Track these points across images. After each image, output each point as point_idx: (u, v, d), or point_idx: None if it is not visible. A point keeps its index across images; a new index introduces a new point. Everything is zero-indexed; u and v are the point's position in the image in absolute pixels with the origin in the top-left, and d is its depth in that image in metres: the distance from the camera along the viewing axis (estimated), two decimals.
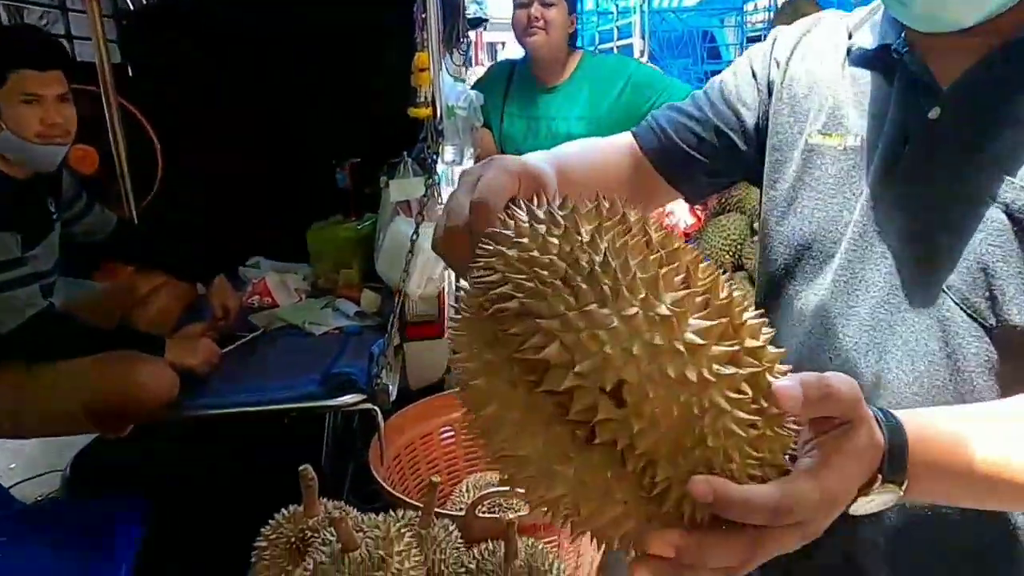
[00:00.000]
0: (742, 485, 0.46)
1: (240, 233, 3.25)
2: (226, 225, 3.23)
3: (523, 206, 0.54)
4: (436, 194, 2.46)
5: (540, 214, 0.51)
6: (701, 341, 0.43)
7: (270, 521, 1.17)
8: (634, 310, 0.43)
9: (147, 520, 1.98)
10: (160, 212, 3.10)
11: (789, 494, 0.46)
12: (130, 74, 3.54)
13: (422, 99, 2.45)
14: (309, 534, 1.12)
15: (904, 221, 0.79)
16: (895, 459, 0.54)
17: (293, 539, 1.13)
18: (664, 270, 0.46)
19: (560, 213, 0.50)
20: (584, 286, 0.45)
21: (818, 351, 0.85)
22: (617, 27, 6.56)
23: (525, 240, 0.49)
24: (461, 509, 1.67)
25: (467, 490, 1.92)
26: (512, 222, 0.52)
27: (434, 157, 2.40)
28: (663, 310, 0.44)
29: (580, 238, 0.47)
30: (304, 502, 1.15)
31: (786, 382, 0.47)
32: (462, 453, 2.13)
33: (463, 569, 1.13)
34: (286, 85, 3.30)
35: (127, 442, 2.13)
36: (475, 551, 1.18)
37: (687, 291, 0.46)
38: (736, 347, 0.45)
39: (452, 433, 2.11)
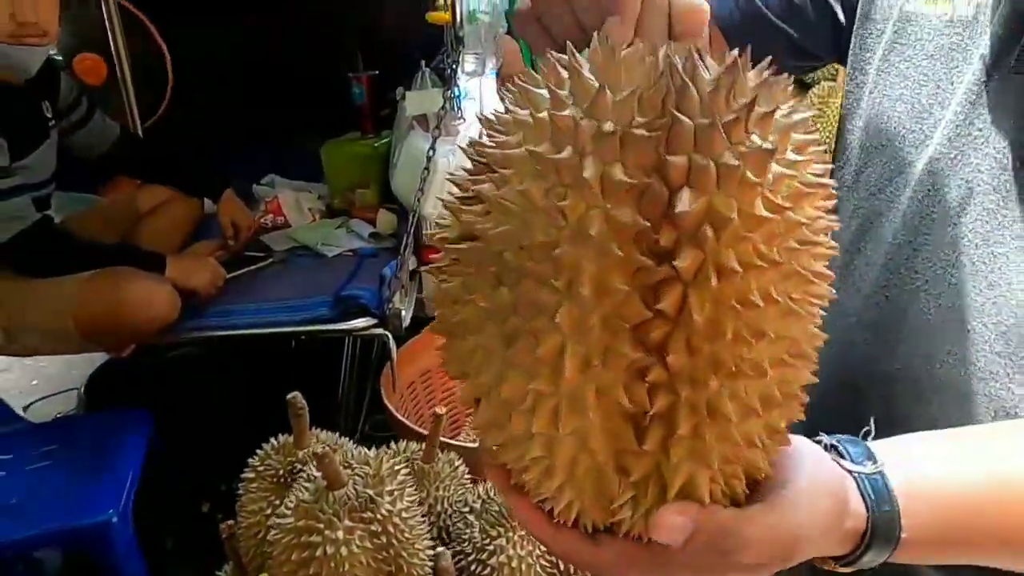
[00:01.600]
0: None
1: (253, 149, 3.14)
2: (238, 140, 3.11)
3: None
4: (456, 107, 2.29)
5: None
6: None
7: (258, 451, 1.07)
8: None
9: (152, 433, 1.94)
10: (170, 126, 2.98)
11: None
12: None
13: (441, 2, 2.26)
14: (298, 467, 1.02)
15: (1017, 124, 0.61)
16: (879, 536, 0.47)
17: (281, 472, 1.03)
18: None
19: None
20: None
21: (890, 289, 0.70)
22: None
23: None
24: (475, 441, 1.59)
25: None
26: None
27: (454, 67, 2.23)
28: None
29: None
30: (294, 432, 1.05)
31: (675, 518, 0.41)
32: None
33: (466, 507, 1.03)
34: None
35: (140, 360, 2.07)
36: (482, 488, 1.08)
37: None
38: None
39: None
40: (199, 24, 3.13)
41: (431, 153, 2.13)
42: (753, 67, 0.38)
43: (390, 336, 1.99)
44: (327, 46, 3.01)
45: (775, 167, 0.36)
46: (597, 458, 0.39)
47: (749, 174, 0.34)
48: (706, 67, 0.37)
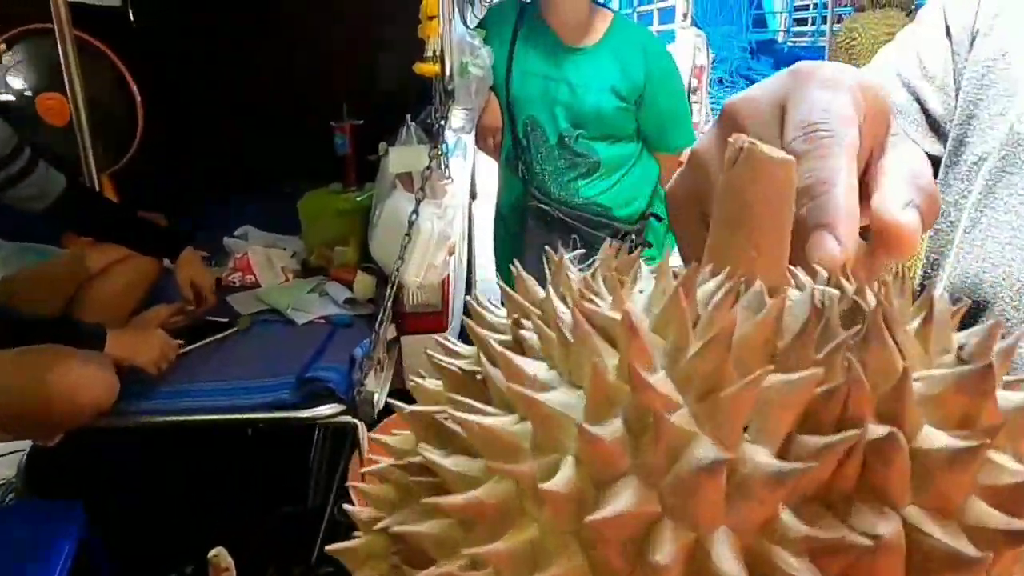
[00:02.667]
0: None
1: (227, 197, 2.94)
2: (212, 187, 2.92)
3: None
4: (442, 166, 2.10)
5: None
6: None
7: None
8: None
9: (83, 529, 1.70)
10: (139, 169, 2.78)
11: None
12: (132, 19, 3.23)
13: (430, 53, 2.07)
14: None
15: None
16: None
17: None
18: None
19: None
20: None
21: None
22: (657, 8, 6.08)
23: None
24: None
25: None
26: None
27: (442, 123, 2.04)
28: None
29: None
30: None
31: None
32: None
33: None
34: (282, 34, 2.95)
35: (76, 443, 1.83)
36: None
37: None
38: None
39: None
40: (177, 63, 2.97)
41: (414, 217, 1.93)
42: None
43: (360, 424, 1.77)
44: (312, 92, 2.84)
45: None
46: None
47: None
48: (903, 356, 0.20)
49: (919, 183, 0.31)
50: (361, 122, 2.71)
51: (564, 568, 0.18)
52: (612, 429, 0.18)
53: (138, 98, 2.80)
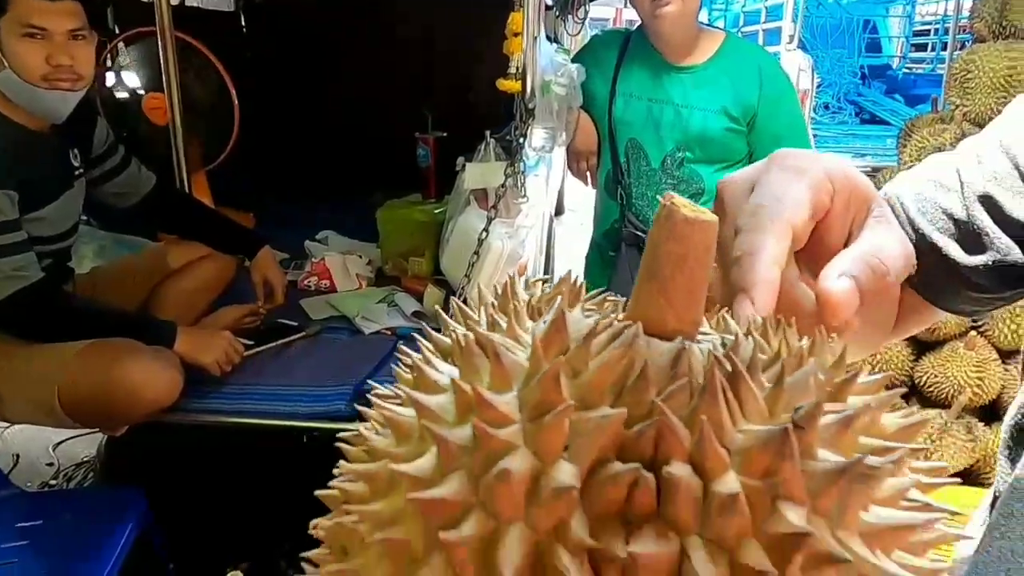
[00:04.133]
0: None
1: (312, 201, 3.00)
2: (298, 191, 2.98)
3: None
4: (519, 184, 2.06)
5: None
6: None
7: None
8: None
9: (145, 517, 1.74)
10: (230, 173, 2.88)
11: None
12: (243, 25, 3.36)
13: (514, 70, 2.05)
14: None
15: None
16: None
17: None
18: None
19: None
20: None
21: None
22: (765, 7, 5.88)
23: None
24: None
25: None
26: None
27: (521, 140, 2.01)
28: None
29: None
30: None
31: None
32: None
33: None
34: (375, 46, 3.00)
35: (149, 434, 1.89)
36: None
37: None
38: None
39: None
40: (277, 70, 3.06)
41: (484, 235, 1.90)
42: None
43: None
44: (399, 103, 2.87)
45: None
46: None
47: None
48: (741, 413, 0.23)
49: (870, 260, 0.35)
50: (445, 135, 2.71)
51: (404, 528, 0.22)
52: (462, 434, 0.23)
53: (236, 102, 2.90)
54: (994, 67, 2.09)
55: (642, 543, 0.21)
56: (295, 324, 2.19)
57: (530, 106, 1.99)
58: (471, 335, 0.25)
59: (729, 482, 0.21)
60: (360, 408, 0.29)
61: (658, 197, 1.89)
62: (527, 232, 2.05)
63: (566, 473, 0.21)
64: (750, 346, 0.26)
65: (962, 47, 4.81)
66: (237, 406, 1.79)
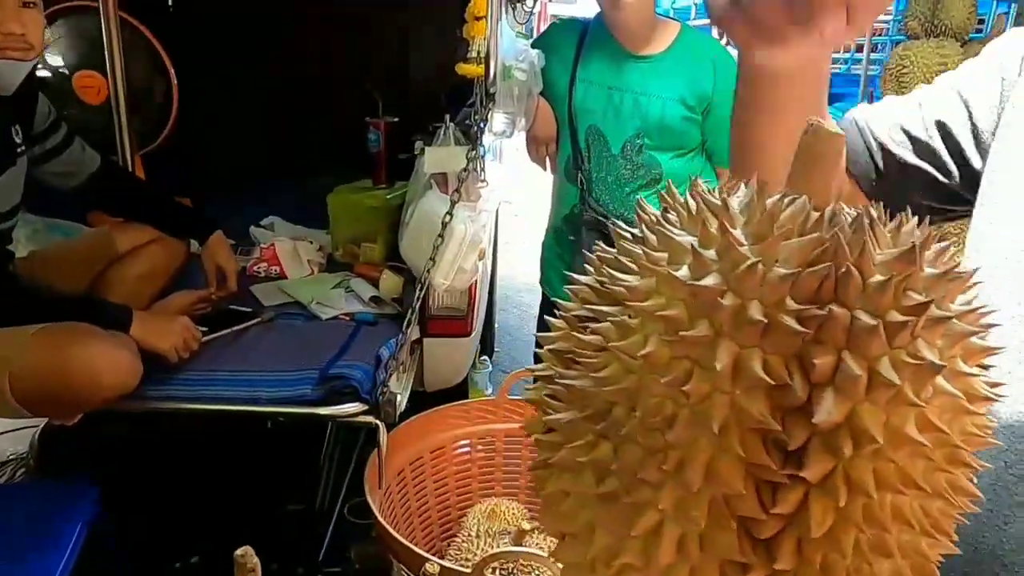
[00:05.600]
0: None
1: (256, 186, 2.92)
2: (241, 175, 2.90)
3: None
4: (479, 169, 2.07)
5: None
6: None
7: None
8: None
9: (96, 510, 1.68)
10: (170, 156, 2.77)
11: None
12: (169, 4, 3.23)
13: (474, 54, 2.04)
14: None
15: None
16: None
17: None
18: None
19: None
20: None
21: None
22: (695, 3, 6.03)
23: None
24: (466, 560, 1.34)
25: (476, 522, 1.56)
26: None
27: (481, 125, 2.01)
28: None
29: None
30: None
31: None
32: (477, 472, 1.77)
33: None
34: (321, 27, 2.94)
35: (93, 425, 1.81)
36: None
37: None
38: None
39: (468, 449, 1.75)
40: (216, 51, 2.96)
41: (447, 219, 1.89)
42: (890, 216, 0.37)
43: (381, 425, 1.73)
44: (347, 87, 2.82)
45: (939, 381, 0.32)
46: None
47: (907, 390, 0.31)
48: (877, 243, 0.34)
49: None
50: (396, 120, 2.69)
51: (676, 311, 0.33)
52: (709, 254, 0.34)
53: (174, 82, 2.80)
54: (927, 62, 2.24)
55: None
56: (248, 310, 2.14)
57: (492, 90, 2.00)
58: (694, 202, 0.37)
59: (879, 276, 0.32)
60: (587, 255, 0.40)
61: (617, 183, 1.96)
62: (488, 216, 2.06)
63: (783, 269, 0.33)
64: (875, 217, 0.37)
65: (875, 49, 5.06)
66: (194, 392, 1.73)
